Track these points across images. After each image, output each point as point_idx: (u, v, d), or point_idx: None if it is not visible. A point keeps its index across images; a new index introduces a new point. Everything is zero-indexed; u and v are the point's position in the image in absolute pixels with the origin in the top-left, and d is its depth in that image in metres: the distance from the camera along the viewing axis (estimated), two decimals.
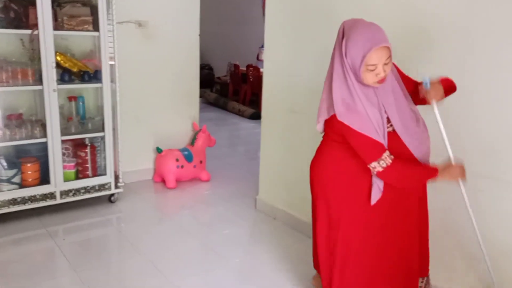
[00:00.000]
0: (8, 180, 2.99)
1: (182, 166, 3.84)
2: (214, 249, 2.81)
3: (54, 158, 3.08)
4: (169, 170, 3.80)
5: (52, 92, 2.99)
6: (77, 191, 3.23)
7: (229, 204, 3.55)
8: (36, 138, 3.04)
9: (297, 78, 2.94)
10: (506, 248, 1.98)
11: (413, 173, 1.81)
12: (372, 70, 1.69)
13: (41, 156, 3.10)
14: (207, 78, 8.60)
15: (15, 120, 3.06)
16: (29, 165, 3.06)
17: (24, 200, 3.02)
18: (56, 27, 2.98)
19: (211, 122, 6.05)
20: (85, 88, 3.35)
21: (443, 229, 2.18)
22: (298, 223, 3.05)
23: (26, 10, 2.96)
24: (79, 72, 3.22)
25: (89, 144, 3.31)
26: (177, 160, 3.82)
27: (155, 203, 3.63)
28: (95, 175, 3.34)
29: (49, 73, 2.96)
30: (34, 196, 3.05)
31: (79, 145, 3.30)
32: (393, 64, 1.82)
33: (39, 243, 2.83)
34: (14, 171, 3.00)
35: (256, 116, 6.76)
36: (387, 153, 1.75)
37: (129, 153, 3.74)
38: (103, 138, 3.30)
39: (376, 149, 1.74)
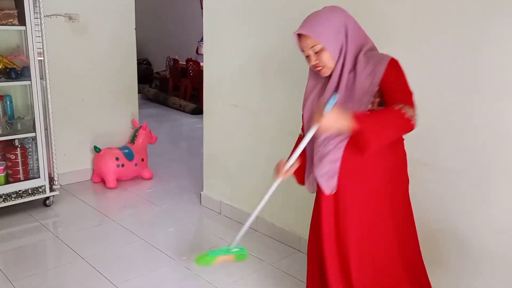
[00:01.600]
0: None
1: (122, 165, 3.72)
2: (159, 248, 2.75)
3: None
4: (109, 169, 3.66)
5: None
6: (8, 196, 3.03)
7: (173, 201, 3.49)
8: None
9: (238, 72, 2.93)
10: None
11: None
12: (307, 57, 1.68)
13: None
14: (145, 73, 8.38)
15: None
16: None
17: None
18: None
19: (151, 119, 5.90)
20: (13, 86, 3.14)
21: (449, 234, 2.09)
22: (243, 216, 3.06)
23: None
24: (5, 69, 3.01)
25: (19, 146, 3.11)
26: (117, 159, 3.69)
27: (95, 204, 3.48)
28: (27, 178, 3.15)
29: None
30: None
31: (8, 146, 3.10)
32: (389, 72, 1.59)
33: None
34: None
35: (197, 111, 6.68)
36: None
37: (65, 153, 3.57)
38: (34, 138, 3.11)
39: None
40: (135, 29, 3.96)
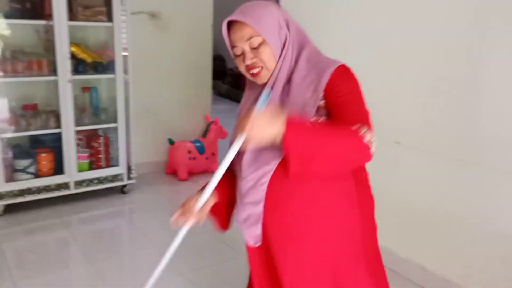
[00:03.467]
0: (24, 170, 3.02)
1: (194, 158, 3.85)
2: (226, 241, 2.82)
3: (68, 148, 3.11)
4: (181, 161, 3.81)
5: (67, 83, 3.00)
6: (90, 182, 3.25)
7: None
8: (51, 128, 3.07)
9: None
10: None
11: None
12: (237, 55, 1.29)
13: (56, 147, 3.13)
14: (219, 69, 8.58)
15: (31, 110, 3.08)
16: (43, 155, 3.09)
17: (39, 190, 3.05)
18: (71, 18, 2.99)
19: (223, 114, 6.02)
20: (99, 79, 3.36)
21: (458, 224, 2.15)
22: None
23: (41, 0, 2.96)
24: (93, 63, 3.23)
25: (103, 135, 3.33)
26: (189, 152, 3.83)
27: (167, 194, 3.64)
28: (108, 166, 3.36)
29: (64, 64, 2.97)
30: (49, 186, 3.08)
31: (92, 136, 3.32)
32: (334, 84, 1.20)
33: (53, 232, 2.86)
34: (29, 161, 3.03)
35: None
36: None
37: (142, 144, 3.75)
38: (116, 129, 3.31)
39: None
40: (212, 25, 4.06)
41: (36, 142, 3.14)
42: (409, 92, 2.28)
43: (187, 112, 4.09)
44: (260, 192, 1.24)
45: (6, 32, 2.92)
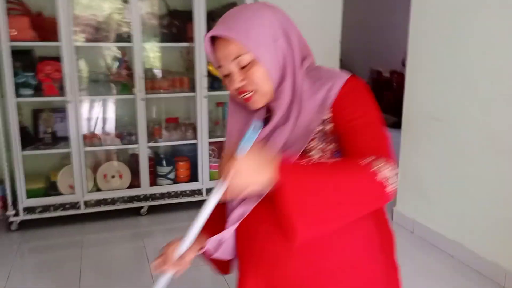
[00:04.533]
0: (165, 176, 3.39)
1: None
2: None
3: (202, 158, 3.40)
4: None
5: (203, 98, 3.31)
6: None
7: None
8: (189, 139, 3.40)
9: (440, 82, 2.75)
10: None
11: None
12: (225, 76, 1.03)
13: (192, 156, 3.45)
14: None
15: (173, 123, 3.46)
16: (182, 163, 3.43)
17: (176, 194, 3.39)
18: None
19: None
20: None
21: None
22: (439, 239, 2.84)
23: (185, 25, 3.33)
24: None
25: None
26: None
27: None
28: None
29: (202, 81, 3.28)
30: (185, 191, 3.40)
31: (223, 147, 3.58)
32: (342, 101, 0.97)
33: (183, 233, 3.13)
34: (170, 168, 3.39)
35: (398, 125, 6.45)
36: None
37: None
38: None
39: None
40: (339, 41, 4.08)
41: (176, 152, 3.51)
42: None
43: None
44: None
45: (157, 54, 3.35)
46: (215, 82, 3.42)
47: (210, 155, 3.46)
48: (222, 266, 1.19)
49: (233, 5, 3.45)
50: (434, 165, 2.89)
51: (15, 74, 2.91)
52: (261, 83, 0.99)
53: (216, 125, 3.56)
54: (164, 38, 3.34)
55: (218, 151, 3.56)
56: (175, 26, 3.37)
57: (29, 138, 3.13)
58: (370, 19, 8.67)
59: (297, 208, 0.83)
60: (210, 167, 3.46)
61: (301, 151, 0.95)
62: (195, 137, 3.38)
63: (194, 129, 3.40)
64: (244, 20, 0.97)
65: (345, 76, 0.99)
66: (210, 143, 3.44)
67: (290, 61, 1.00)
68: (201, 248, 1.08)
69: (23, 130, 3.06)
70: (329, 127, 0.97)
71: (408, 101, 3.10)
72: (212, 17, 3.36)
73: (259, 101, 1.01)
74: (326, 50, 4.05)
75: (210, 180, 3.45)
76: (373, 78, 7.95)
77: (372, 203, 0.92)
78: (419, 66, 2.98)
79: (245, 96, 1.00)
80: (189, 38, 3.28)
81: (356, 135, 0.95)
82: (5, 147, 2.98)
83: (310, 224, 0.85)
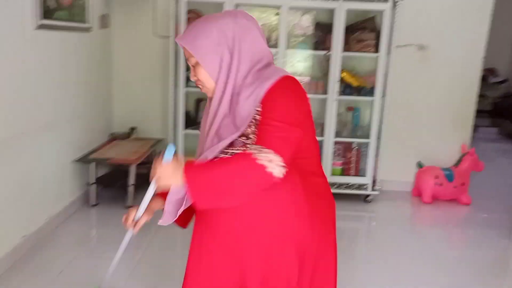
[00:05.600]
0: None
1: (440, 184, 3.93)
2: (449, 274, 2.83)
3: (327, 155, 3.79)
4: (427, 185, 3.96)
5: (333, 101, 3.70)
6: (340, 185, 3.85)
7: (482, 231, 3.44)
8: (316, 136, 3.82)
9: None
10: None
11: None
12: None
13: None
14: (505, 107, 7.87)
15: None
16: None
17: None
18: (346, 49, 3.67)
19: (504, 155, 5.75)
20: (362, 101, 3.93)
21: None
22: None
23: (325, 36, 3.76)
24: (358, 87, 3.82)
25: (356, 148, 3.88)
26: (436, 177, 3.94)
27: (407, 212, 3.87)
28: (356, 175, 3.89)
29: (334, 86, 3.67)
30: None
31: (347, 147, 3.92)
32: (269, 98, 1.23)
33: None
34: None
35: None
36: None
37: (391, 163, 4.10)
38: (367, 144, 3.81)
39: None
40: (482, 58, 4.04)
41: None
42: None
43: (442, 140, 4.17)
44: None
45: (300, 60, 3.87)
46: (346, 88, 3.77)
47: (334, 152, 3.83)
48: (182, 222, 1.47)
49: (371, 19, 3.76)
50: None
51: (187, 69, 3.71)
52: (204, 80, 1.29)
53: (344, 127, 3.91)
54: (307, 46, 3.83)
55: (343, 150, 3.91)
56: (317, 36, 3.83)
57: (190, 121, 3.92)
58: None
59: (195, 193, 1.18)
60: (333, 164, 3.83)
61: (241, 133, 1.24)
62: (322, 135, 3.79)
63: (322, 127, 3.81)
64: (195, 30, 1.26)
65: (278, 75, 1.23)
66: (335, 142, 3.81)
67: (227, 65, 1.25)
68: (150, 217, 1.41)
69: (187, 114, 3.87)
70: (258, 117, 1.23)
71: None
72: (351, 30, 3.73)
73: (208, 92, 1.32)
74: (466, 69, 4.06)
75: (332, 175, 3.82)
76: None
77: (257, 182, 1.18)
78: None
79: (200, 88, 1.33)
80: (327, 48, 3.70)
81: (261, 129, 1.21)
82: (172, 125, 3.82)
83: (208, 202, 1.21)
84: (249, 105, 1.23)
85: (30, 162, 2.82)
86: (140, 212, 1.36)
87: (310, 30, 3.85)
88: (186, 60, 1.32)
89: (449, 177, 3.95)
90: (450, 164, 4.16)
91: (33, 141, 2.83)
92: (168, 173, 1.20)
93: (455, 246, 3.34)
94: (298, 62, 3.92)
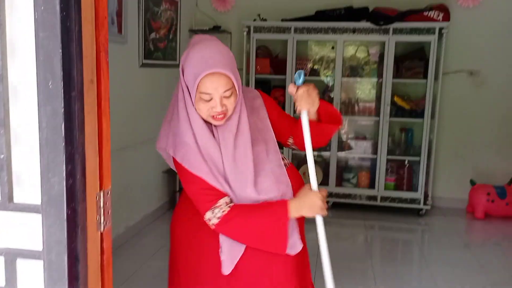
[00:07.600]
0: (348, 180, 4.33)
1: (492, 201, 4.13)
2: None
3: (380, 171, 4.20)
4: (479, 201, 4.17)
5: (385, 122, 4.13)
6: (393, 199, 4.21)
7: None
8: (370, 154, 4.25)
9: None
10: None
11: (257, 221, 1.34)
12: (207, 101, 1.30)
13: (371, 167, 4.29)
14: None
15: (361, 140, 4.39)
16: (363, 172, 4.31)
17: (355, 197, 4.26)
18: (396, 76, 4.11)
19: None
20: (415, 122, 4.28)
21: None
22: None
23: (378, 65, 4.23)
24: (410, 110, 4.21)
25: (407, 165, 4.24)
26: (488, 194, 4.14)
27: (459, 227, 4.10)
28: (409, 190, 4.23)
29: (385, 109, 4.11)
30: (363, 195, 4.25)
31: (400, 164, 4.29)
32: (268, 102, 1.52)
33: (355, 229, 3.96)
34: (352, 174, 4.32)
35: None
36: (225, 199, 1.35)
37: (446, 181, 4.37)
38: (418, 162, 4.15)
39: (210, 195, 1.35)
40: None
41: (358, 162, 4.41)
42: None
43: (496, 160, 4.36)
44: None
45: (354, 87, 4.37)
46: (398, 111, 4.18)
47: (387, 169, 4.22)
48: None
49: (420, 51, 4.17)
50: None
51: None
52: (233, 107, 1.34)
53: (398, 146, 4.29)
54: (361, 73, 4.32)
55: (396, 167, 4.29)
56: (367, 65, 4.32)
57: None
58: None
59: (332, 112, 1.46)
60: (386, 179, 4.22)
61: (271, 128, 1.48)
62: (375, 153, 4.21)
63: (376, 146, 4.23)
64: (227, 58, 1.30)
65: (255, 90, 1.54)
66: (388, 160, 4.21)
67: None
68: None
69: None
70: (267, 115, 1.49)
71: None
72: (401, 60, 4.16)
73: (224, 120, 1.35)
74: None
75: (385, 189, 4.20)
76: None
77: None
78: None
79: (219, 117, 1.32)
80: (380, 75, 4.17)
81: (285, 116, 1.54)
82: None
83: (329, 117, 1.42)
84: (257, 118, 1.47)
85: (132, 169, 3.59)
86: (314, 183, 1.39)
87: (364, 60, 4.35)
88: (203, 91, 1.29)
89: (501, 195, 4.13)
90: (504, 182, 4.33)
91: (135, 153, 3.61)
92: (306, 95, 1.33)
93: (507, 260, 3.51)
94: (354, 89, 4.42)
